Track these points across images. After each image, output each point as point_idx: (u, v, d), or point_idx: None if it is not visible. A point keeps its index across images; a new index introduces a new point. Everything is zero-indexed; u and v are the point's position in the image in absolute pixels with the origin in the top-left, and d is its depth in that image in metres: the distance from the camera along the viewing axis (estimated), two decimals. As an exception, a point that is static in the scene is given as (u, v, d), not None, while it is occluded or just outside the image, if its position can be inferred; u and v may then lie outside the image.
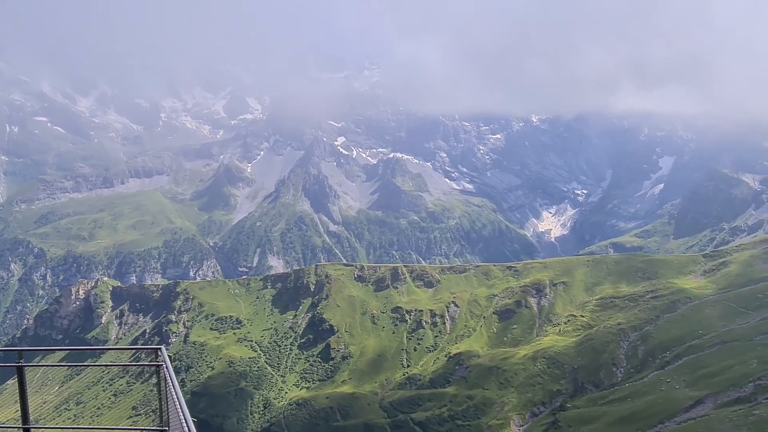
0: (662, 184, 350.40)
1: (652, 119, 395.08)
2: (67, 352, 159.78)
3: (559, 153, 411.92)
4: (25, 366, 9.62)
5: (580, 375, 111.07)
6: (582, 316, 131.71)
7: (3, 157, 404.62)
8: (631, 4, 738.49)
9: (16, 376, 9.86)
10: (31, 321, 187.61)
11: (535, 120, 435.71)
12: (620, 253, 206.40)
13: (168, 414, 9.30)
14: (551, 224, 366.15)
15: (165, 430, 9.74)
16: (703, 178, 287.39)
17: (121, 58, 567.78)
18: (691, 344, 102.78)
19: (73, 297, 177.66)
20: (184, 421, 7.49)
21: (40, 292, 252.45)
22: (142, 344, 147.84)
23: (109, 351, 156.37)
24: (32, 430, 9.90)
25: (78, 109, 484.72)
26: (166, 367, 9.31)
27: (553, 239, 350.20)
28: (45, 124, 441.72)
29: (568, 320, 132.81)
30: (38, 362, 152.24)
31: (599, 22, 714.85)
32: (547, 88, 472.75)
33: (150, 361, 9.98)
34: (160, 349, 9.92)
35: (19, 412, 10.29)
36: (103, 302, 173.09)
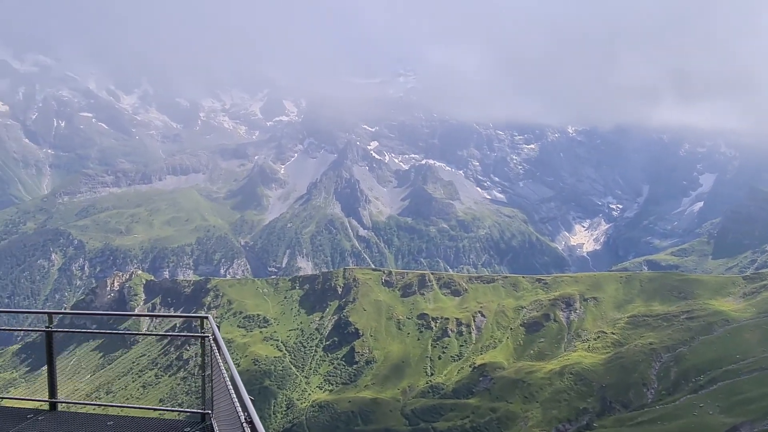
0: (702, 202, 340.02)
1: (693, 134, 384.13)
2: (100, 337, 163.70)
3: (595, 165, 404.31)
4: (54, 331, 9.38)
5: (608, 394, 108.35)
6: (612, 333, 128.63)
7: (49, 151, 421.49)
8: (675, 15, 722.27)
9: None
10: (68, 310, 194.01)
11: (570, 131, 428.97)
12: (655, 271, 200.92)
13: (212, 394, 8.12)
14: (584, 238, 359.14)
15: (207, 413, 8.64)
16: (745, 197, 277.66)
17: (164, 59, 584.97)
18: (728, 369, 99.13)
19: (108, 288, 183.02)
20: (236, 400, 6.15)
21: (78, 283, 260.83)
22: (171, 338, 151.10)
23: (145, 336, 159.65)
24: (59, 405, 9.61)
25: (121, 106, 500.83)
26: (214, 338, 8.18)
27: (585, 254, 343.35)
28: (90, 120, 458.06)
29: (598, 337, 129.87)
30: (71, 347, 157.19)
31: (641, 32, 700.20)
32: (585, 98, 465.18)
33: (196, 333, 8.79)
34: (207, 317, 8.79)
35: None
36: (136, 295, 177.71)
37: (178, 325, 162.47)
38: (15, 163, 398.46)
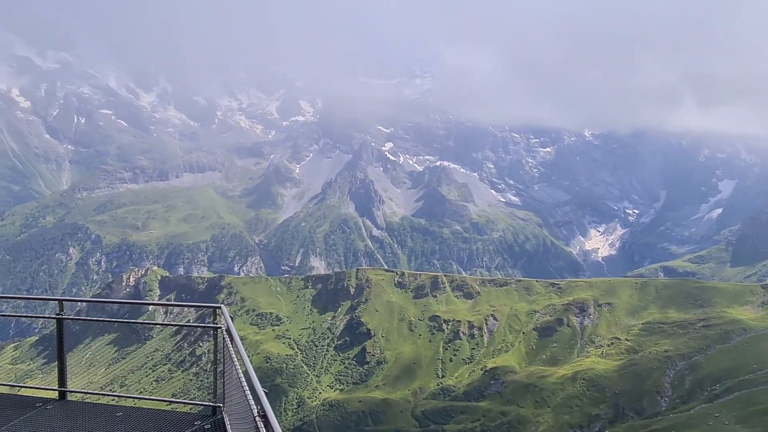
0: (721, 209, 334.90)
1: (712, 139, 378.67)
2: (115, 331, 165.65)
3: (611, 170, 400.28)
4: (65, 318, 9.15)
5: (621, 400, 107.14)
6: (627, 340, 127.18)
7: (69, 147, 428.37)
8: (697, 17, 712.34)
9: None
10: (84, 304, 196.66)
11: (587, 134, 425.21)
12: (671, 278, 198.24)
13: (224, 387, 7.97)
14: (599, 243, 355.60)
15: (218, 407, 8.41)
16: (765, 204, 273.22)
17: (183, 57, 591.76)
18: (745, 378, 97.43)
19: (124, 283, 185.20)
20: (248, 393, 5.82)
21: (95, 277, 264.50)
22: (185, 334, 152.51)
23: (158, 326, 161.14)
24: (69, 395, 9.43)
25: (140, 104, 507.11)
26: (227, 330, 7.95)
27: (600, 258, 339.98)
28: (109, 117, 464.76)
29: (612, 343, 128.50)
30: (87, 340, 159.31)
31: (662, 35, 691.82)
32: (603, 102, 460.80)
33: (208, 323, 8.56)
34: (220, 307, 8.59)
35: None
36: (151, 290, 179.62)
37: (191, 320, 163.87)
38: (36, 158, 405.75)
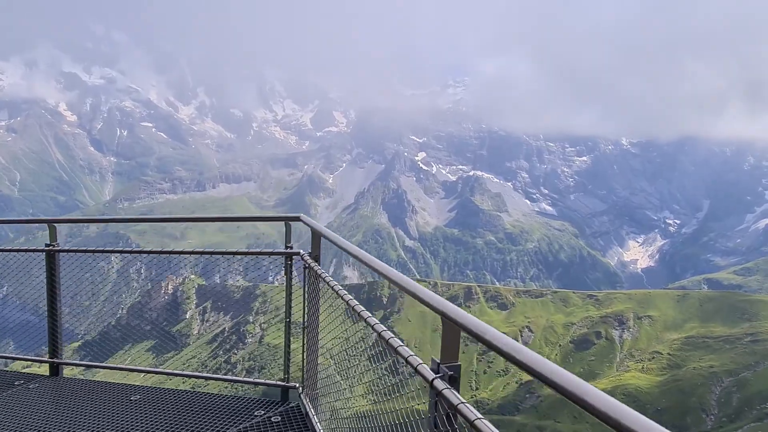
0: (767, 219, 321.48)
1: (759, 147, 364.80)
2: (154, 338, 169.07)
3: (651, 179, 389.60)
4: (57, 251, 6.34)
5: (663, 418, 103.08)
6: (669, 354, 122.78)
7: (112, 159, 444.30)
8: (748, 22, 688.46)
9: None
10: (124, 311, 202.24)
11: (625, 143, 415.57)
12: (716, 290, 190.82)
13: (305, 354, 4.60)
14: (638, 254, 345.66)
15: (292, 387, 5.59)
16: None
17: (220, 71, 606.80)
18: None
19: (162, 291, 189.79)
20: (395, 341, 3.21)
21: (135, 285, 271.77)
22: (220, 342, 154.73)
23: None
24: (64, 369, 7.02)
25: (179, 116, 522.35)
26: (312, 254, 4.51)
27: (639, 270, 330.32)
28: (150, 129, 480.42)
29: (653, 357, 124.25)
30: (127, 347, 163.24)
31: (708, 39, 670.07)
32: (644, 109, 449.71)
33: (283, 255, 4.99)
34: (299, 217, 5.44)
35: None
36: (188, 298, 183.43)
37: (227, 329, 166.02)
38: (81, 170, 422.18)
